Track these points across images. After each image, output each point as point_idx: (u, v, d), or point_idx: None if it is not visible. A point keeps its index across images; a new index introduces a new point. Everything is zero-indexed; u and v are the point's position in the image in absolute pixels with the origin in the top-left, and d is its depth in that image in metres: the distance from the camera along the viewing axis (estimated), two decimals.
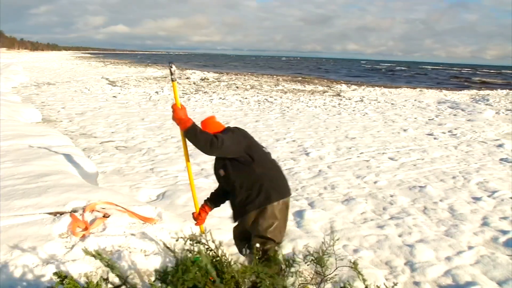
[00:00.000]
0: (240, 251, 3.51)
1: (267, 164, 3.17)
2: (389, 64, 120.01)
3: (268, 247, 2.99)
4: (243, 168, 3.03)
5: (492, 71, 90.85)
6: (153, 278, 2.68)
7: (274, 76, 41.10)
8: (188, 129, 3.03)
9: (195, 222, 3.51)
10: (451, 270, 4.02)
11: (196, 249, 2.48)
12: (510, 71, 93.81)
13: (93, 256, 2.11)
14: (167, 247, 2.62)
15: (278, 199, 3.06)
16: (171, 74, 3.23)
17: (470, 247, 4.52)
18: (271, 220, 3.03)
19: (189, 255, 2.44)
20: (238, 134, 3.10)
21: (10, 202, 3.78)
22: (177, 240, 2.63)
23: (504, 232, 4.95)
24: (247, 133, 3.25)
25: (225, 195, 3.38)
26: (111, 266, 2.11)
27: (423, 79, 49.66)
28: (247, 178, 3.04)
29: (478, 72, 77.70)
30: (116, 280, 2.32)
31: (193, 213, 3.55)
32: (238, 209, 3.19)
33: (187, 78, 32.51)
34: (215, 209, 5.37)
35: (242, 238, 3.34)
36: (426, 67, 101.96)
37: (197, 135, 2.98)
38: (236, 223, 3.41)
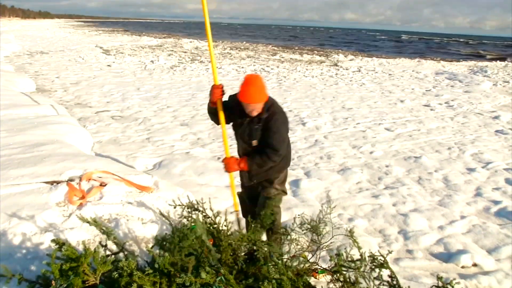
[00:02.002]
0: (247, 212, 3.54)
1: None
2: (372, 34, 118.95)
3: (280, 198, 3.45)
4: None
5: (471, 41, 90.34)
6: (150, 245, 2.72)
7: (269, 45, 40.56)
8: (249, 169, 3.17)
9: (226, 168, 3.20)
10: (443, 239, 4.10)
11: (193, 217, 2.50)
12: (489, 41, 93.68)
13: (89, 223, 2.13)
14: (162, 215, 2.65)
15: (290, 162, 3.53)
16: None
17: (462, 217, 4.60)
18: (284, 176, 3.50)
19: (186, 222, 2.47)
20: (287, 126, 3.23)
21: (6, 171, 3.78)
22: (174, 208, 2.66)
23: (496, 203, 5.03)
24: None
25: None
26: (107, 233, 2.13)
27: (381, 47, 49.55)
28: None
29: (451, 42, 77.43)
30: (114, 248, 2.35)
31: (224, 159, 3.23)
32: (260, 172, 3.31)
33: (182, 47, 32.01)
34: (212, 178, 5.42)
35: (251, 197, 3.51)
36: (404, 36, 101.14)
37: (262, 168, 3.18)
38: (244, 185, 3.49)
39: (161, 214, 2.78)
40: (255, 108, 2.99)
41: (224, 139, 3.23)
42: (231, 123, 3.26)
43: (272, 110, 3.06)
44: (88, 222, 2.21)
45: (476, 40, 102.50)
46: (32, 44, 28.08)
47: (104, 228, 2.22)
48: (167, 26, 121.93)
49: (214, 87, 3.05)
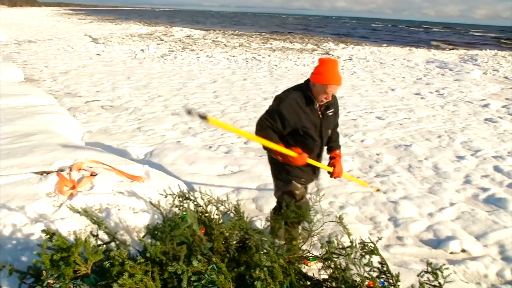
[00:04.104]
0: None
1: None
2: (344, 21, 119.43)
3: None
4: None
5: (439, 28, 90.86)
6: (142, 234, 2.72)
7: (264, 34, 40.32)
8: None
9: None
10: (433, 226, 4.15)
11: (185, 205, 2.50)
12: (462, 29, 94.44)
13: (79, 213, 2.12)
14: (153, 205, 2.65)
15: None
16: None
17: (452, 204, 4.66)
18: None
19: (177, 211, 2.46)
20: None
21: None
22: (165, 197, 2.65)
23: (485, 190, 5.10)
24: None
25: None
26: (98, 223, 2.12)
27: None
28: None
29: (412, 29, 78.01)
30: (106, 237, 2.35)
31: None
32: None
33: (173, 35, 31.70)
34: (203, 167, 5.42)
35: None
36: (376, 23, 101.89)
37: None
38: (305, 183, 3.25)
39: (152, 204, 2.78)
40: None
41: (319, 165, 3.10)
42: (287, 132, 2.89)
43: None
44: (78, 212, 2.20)
45: (448, 27, 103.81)
46: (19, 33, 27.56)
47: (94, 218, 2.21)
48: (157, 13, 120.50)
49: (300, 157, 2.79)
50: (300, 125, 2.81)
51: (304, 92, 2.82)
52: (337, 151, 3.25)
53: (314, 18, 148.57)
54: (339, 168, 3.19)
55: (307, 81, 2.84)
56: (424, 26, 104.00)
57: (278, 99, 2.82)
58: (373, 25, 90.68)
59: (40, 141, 4.50)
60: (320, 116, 2.90)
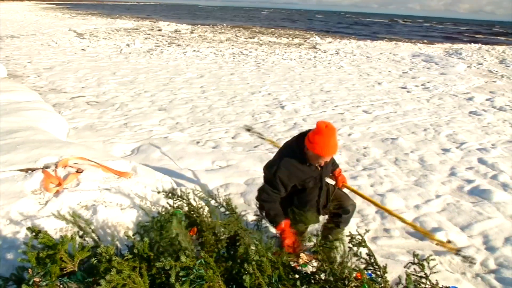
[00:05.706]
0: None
1: None
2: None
3: None
4: None
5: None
6: (129, 231, 2.71)
7: (252, 28, 40.17)
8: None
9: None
10: (419, 217, 4.21)
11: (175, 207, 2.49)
12: (433, 22, 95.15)
13: (68, 222, 2.10)
14: (143, 209, 2.63)
15: None
16: None
17: (437, 196, 4.72)
18: None
19: (169, 208, 2.45)
20: None
21: None
22: (158, 193, 2.64)
23: (469, 182, 5.18)
24: None
25: None
26: (86, 231, 2.10)
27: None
28: None
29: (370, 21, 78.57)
30: (94, 236, 2.33)
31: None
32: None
33: (159, 30, 31.39)
34: (191, 162, 5.40)
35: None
36: (354, 17, 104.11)
37: None
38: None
39: (142, 208, 2.76)
40: None
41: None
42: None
43: None
44: (69, 222, 2.17)
45: (422, 20, 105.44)
46: (1, 28, 26.97)
47: (82, 226, 2.18)
48: (142, 8, 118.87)
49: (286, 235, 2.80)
50: (299, 183, 2.84)
51: (298, 157, 2.78)
52: (338, 170, 3.35)
53: (291, 12, 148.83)
54: (341, 178, 3.32)
55: (301, 144, 2.74)
56: (396, 19, 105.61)
57: (272, 167, 2.82)
58: (353, 19, 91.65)
59: (25, 138, 4.44)
60: (319, 168, 2.88)
